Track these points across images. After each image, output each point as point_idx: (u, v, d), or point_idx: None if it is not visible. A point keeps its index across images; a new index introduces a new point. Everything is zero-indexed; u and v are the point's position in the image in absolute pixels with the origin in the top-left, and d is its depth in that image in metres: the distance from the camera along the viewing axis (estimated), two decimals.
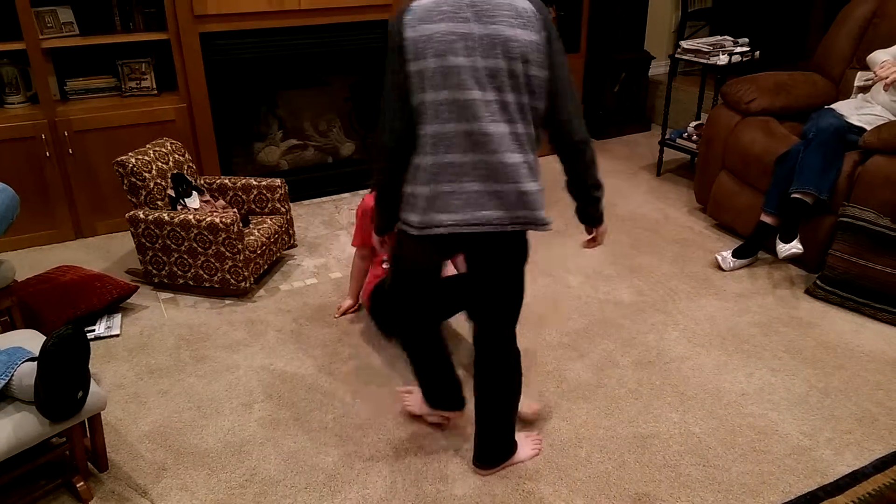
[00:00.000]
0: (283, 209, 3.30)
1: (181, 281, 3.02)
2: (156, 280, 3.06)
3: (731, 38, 4.17)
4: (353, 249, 2.76)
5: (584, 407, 2.35)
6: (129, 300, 2.96)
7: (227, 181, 3.31)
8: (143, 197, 2.95)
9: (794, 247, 2.98)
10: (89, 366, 1.84)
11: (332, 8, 3.69)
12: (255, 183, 3.28)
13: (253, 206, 3.31)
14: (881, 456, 2.11)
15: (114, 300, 2.84)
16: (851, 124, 3.12)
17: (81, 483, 1.97)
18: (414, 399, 2.28)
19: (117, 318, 2.86)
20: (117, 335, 2.77)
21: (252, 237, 3.02)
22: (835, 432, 2.23)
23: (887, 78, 2.91)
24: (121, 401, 2.40)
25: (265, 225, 3.16)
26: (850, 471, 2.06)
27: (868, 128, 3.06)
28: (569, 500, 1.98)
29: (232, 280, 2.95)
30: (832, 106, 3.30)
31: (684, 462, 2.11)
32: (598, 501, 1.97)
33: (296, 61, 3.91)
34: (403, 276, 1.97)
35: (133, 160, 2.92)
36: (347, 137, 4.37)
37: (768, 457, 2.13)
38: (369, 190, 2.00)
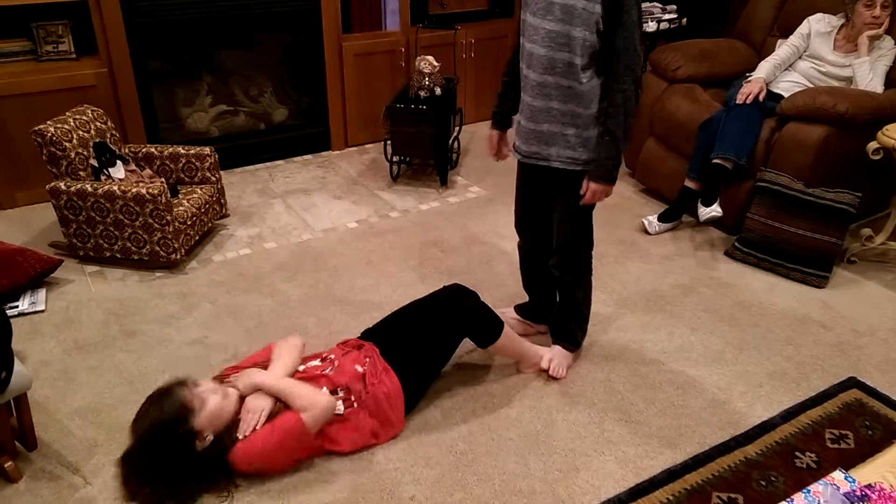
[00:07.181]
0: (214, 178, 3.24)
1: (108, 254, 2.95)
2: (81, 253, 2.97)
3: (660, 5, 4.25)
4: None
5: (515, 368, 2.43)
6: (53, 274, 2.87)
7: (153, 149, 3.22)
8: (64, 167, 2.85)
9: (714, 210, 3.11)
10: (12, 344, 1.81)
11: None
12: (183, 151, 3.20)
13: (182, 176, 3.23)
14: (788, 407, 2.27)
15: (37, 275, 2.76)
16: (770, 91, 3.24)
17: (9, 463, 1.94)
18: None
19: (42, 293, 2.78)
20: (42, 311, 2.69)
21: (181, 208, 2.96)
22: (747, 386, 2.37)
23: (748, 95, 3.15)
24: (48, 378, 2.35)
25: (195, 195, 3.10)
26: (760, 422, 2.21)
27: (786, 95, 3.19)
28: (501, 459, 2.06)
29: (162, 252, 2.90)
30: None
31: (608, 418, 2.22)
32: (527, 460, 2.06)
33: (224, 22, 3.79)
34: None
35: (52, 129, 2.80)
36: (280, 103, 4.29)
37: (686, 410, 2.26)
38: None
